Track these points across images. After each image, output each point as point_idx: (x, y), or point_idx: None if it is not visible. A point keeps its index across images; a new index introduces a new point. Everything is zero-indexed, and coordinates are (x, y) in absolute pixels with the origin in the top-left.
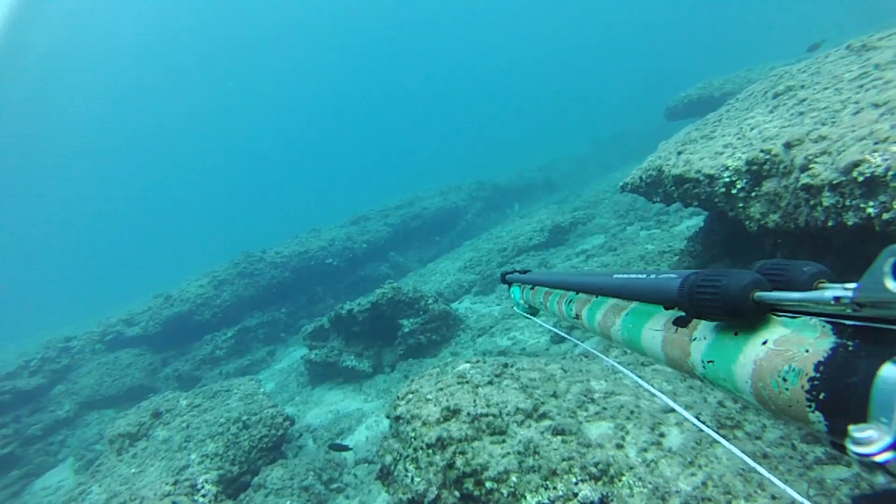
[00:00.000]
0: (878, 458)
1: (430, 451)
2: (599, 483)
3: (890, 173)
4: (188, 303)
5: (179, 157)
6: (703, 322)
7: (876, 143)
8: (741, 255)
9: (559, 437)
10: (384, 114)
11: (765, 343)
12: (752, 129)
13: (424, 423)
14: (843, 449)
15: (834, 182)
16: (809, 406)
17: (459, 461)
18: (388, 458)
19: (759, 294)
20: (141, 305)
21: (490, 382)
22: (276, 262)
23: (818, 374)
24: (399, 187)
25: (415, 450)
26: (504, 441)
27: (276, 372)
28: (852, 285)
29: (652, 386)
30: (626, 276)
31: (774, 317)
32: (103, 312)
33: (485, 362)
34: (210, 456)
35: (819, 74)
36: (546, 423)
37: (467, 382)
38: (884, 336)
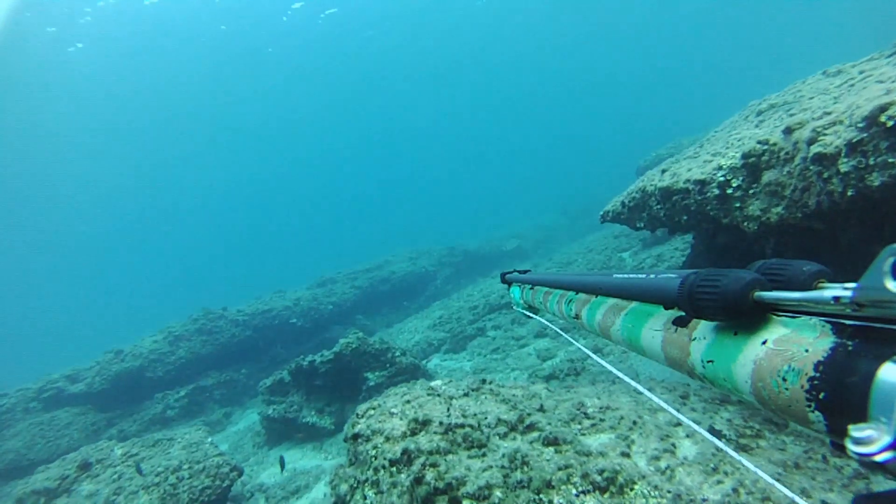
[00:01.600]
0: (878, 458)
1: (394, 468)
2: (606, 495)
3: None
4: (140, 358)
5: (136, 213)
6: (702, 322)
7: None
8: None
9: (552, 448)
10: (353, 179)
11: (764, 343)
12: (739, 141)
13: (388, 439)
14: (842, 449)
15: (854, 141)
16: (809, 406)
17: (430, 475)
18: (343, 488)
19: (758, 294)
20: (88, 363)
21: (466, 395)
22: (237, 321)
23: (818, 374)
24: (367, 254)
25: (375, 471)
26: (485, 455)
27: (232, 434)
28: (852, 285)
29: (663, 400)
30: (625, 276)
31: (774, 316)
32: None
33: (460, 380)
34: None
35: (801, 93)
36: (535, 434)
37: (439, 395)
38: (883, 336)
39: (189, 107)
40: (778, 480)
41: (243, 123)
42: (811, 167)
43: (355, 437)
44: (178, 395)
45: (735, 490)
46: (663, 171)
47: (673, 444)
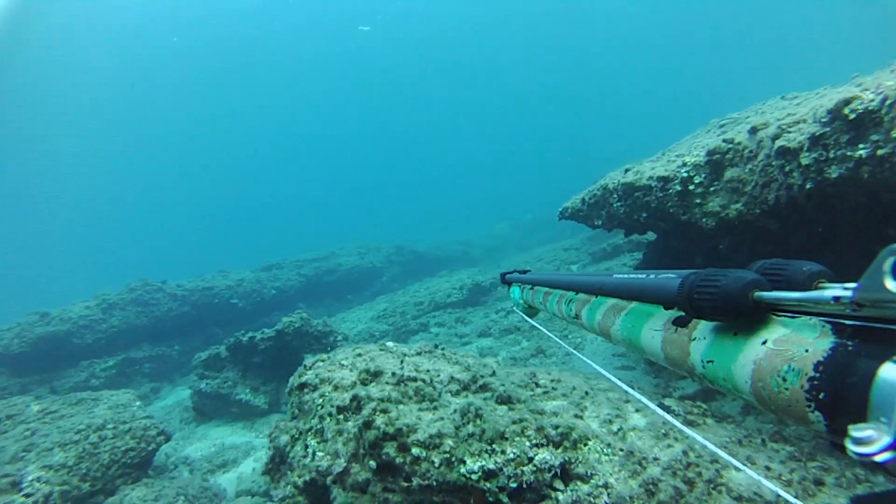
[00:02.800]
0: (878, 458)
1: (342, 416)
2: (560, 449)
3: (888, 102)
4: (68, 323)
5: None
6: (702, 322)
7: (864, 90)
8: None
9: (505, 406)
10: (310, 172)
11: (764, 343)
12: (703, 147)
13: (336, 387)
14: (842, 449)
15: (817, 134)
16: (809, 406)
17: (380, 419)
18: (284, 439)
19: (758, 294)
20: (8, 323)
21: (419, 354)
22: (175, 295)
23: (818, 374)
24: (316, 245)
25: (320, 419)
26: (436, 409)
27: (158, 409)
28: (852, 285)
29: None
30: (625, 276)
31: (774, 317)
32: None
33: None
34: (54, 468)
35: (762, 110)
36: (488, 393)
37: (392, 353)
38: (883, 336)
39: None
40: (726, 446)
41: (210, 111)
42: (774, 162)
43: (301, 386)
44: (105, 365)
45: (685, 452)
46: (626, 170)
47: (624, 415)
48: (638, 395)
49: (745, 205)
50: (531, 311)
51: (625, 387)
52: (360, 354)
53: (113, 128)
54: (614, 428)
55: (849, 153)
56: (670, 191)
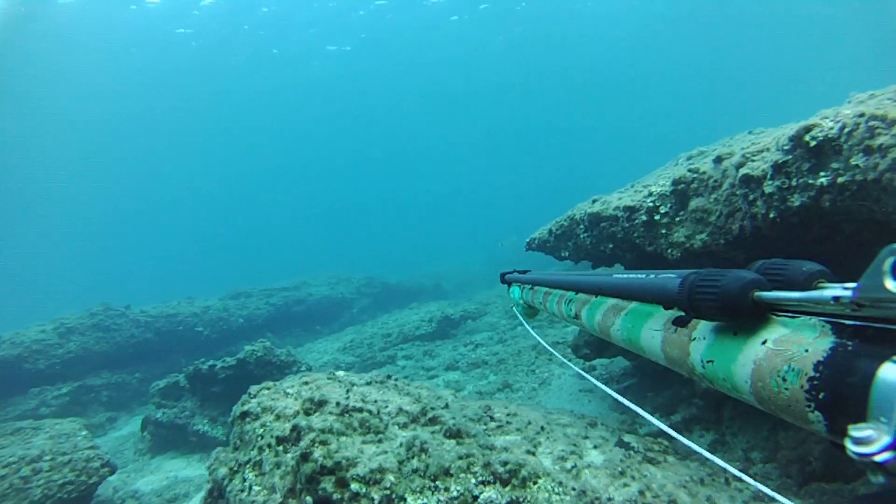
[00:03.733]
0: (878, 458)
1: (281, 447)
2: (508, 487)
3: (846, 131)
4: (20, 347)
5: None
6: (702, 322)
7: (823, 118)
8: None
9: (454, 440)
10: (283, 200)
11: (764, 343)
12: (670, 178)
13: (278, 417)
14: (842, 449)
15: (779, 162)
16: (809, 406)
17: (318, 452)
18: (222, 472)
19: (758, 294)
20: None
21: (369, 384)
22: (138, 321)
23: (817, 374)
24: (287, 274)
25: (259, 450)
26: (381, 442)
27: (113, 439)
28: (852, 285)
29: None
30: (625, 275)
31: (774, 316)
32: None
33: (364, 375)
34: None
35: (730, 143)
36: (437, 426)
37: (340, 381)
38: (883, 336)
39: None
40: (685, 485)
41: (180, 138)
42: (738, 191)
43: (243, 415)
44: (58, 392)
45: (641, 492)
46: (594, 200)
47: (581, 451)
48: (646, 415)
49: (709, 235)
50: (531, 310)
51: (633, 406)
52: (306, 383)
53: (78, 150)
54: (568, 465)
55: (810, 181)
56: (636, 221)
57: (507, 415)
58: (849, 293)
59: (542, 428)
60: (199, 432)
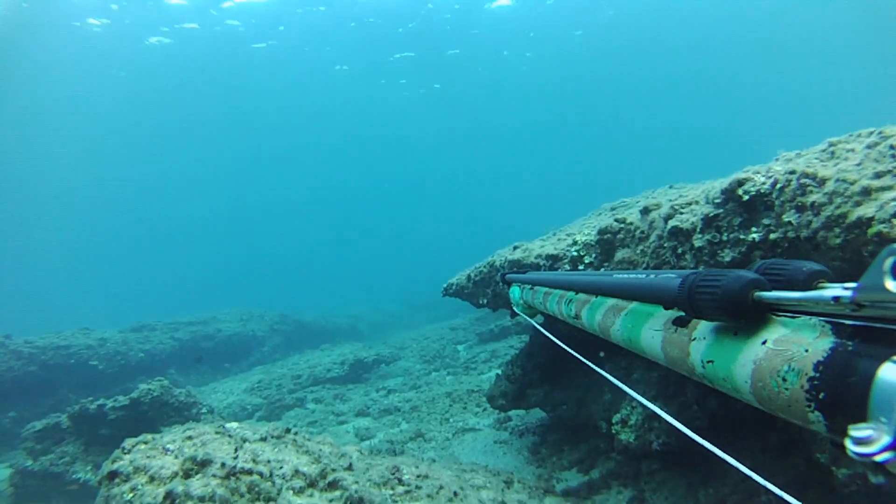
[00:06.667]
0: (878, 458)
1: None
2: None
3: (777, 186)
4: None
5: None
6: (702, 322)
7: (755, 173)
8: (561, 377)
9: None
10: (201, 232)
11: (764, 343)
12: (593, 227)
13: (152, 479)
14: (842, 449)
15: (710, 216)
16: (809, 406)
17: None
18: None
19: (758, 294)
20: None
21: (263, 440)
22: (20, 352)
23: (817, 374)
24: (200, 309)
25: None
26: None
27: None
28: (852, 285)
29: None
30: (626, 275)
31: (774, 316)
32: None
33: (261, 426)
34: None
35: (653, 195)
36: (337, 492)
37: (230, 436)
38: (883, 336)
39: None
40: None
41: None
42: (666, 244)
43: (111, 475)
44: None
45: None
46: (515, 247)
47: None
48: (654, 407)
49: None
50: (530, 310)
51: (646, 402)
52: (190, 437)
53: None
54: None
55: (741, 236)
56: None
57: (418, 476)
58: (849, 293)
59: (455, 494)
60: (80, 480)
